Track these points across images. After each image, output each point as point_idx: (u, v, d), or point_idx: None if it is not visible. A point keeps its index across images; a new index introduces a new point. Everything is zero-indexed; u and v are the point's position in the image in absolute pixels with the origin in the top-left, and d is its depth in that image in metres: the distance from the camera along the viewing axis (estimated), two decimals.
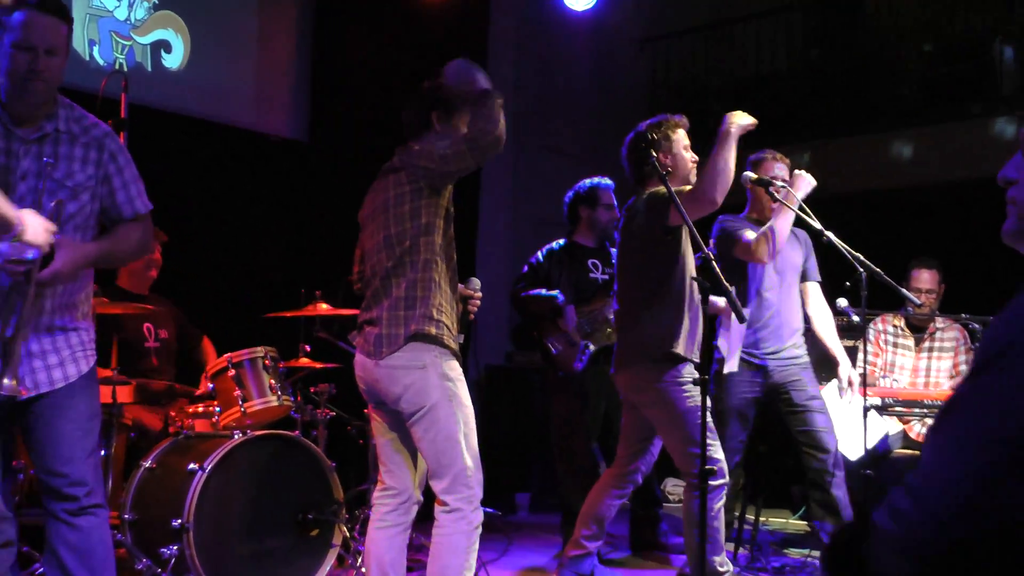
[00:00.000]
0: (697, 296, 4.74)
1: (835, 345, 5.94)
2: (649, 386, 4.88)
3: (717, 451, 4.78)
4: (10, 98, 3.50)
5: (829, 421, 5.70)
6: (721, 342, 5.50)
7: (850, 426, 5.72)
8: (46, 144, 3.56)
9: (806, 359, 5.81)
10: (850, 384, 5.81)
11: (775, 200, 5.42)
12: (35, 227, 3.32)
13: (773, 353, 5.70)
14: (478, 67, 4.19)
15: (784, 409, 5.76)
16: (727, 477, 4.85)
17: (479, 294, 4.46)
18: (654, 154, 4.86)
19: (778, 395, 5.74)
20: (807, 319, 5.95)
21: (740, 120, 4.76)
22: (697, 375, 4.58)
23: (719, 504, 4.80)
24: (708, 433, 4.41)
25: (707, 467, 4.38)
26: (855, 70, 10.57)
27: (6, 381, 3.30)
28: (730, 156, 4.69)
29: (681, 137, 5.04)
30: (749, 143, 5.12)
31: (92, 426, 3.70)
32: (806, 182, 5.41)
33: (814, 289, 6.00)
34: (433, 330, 3.99)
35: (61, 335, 3.62)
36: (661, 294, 4.87)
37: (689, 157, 5.05)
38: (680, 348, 4.81)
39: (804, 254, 5.94)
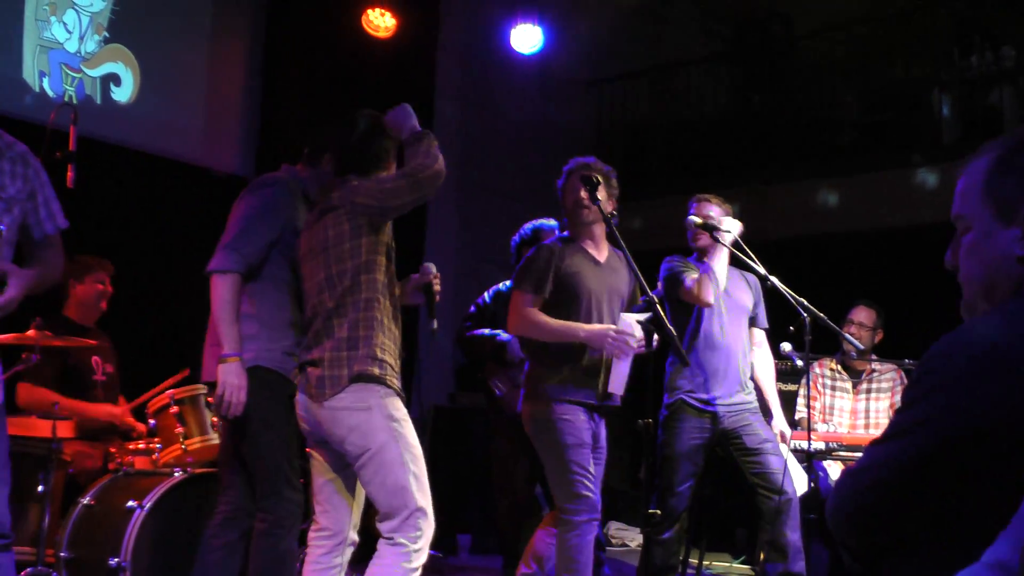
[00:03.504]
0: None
1: (772, 397, 5.90)
2: (529, 420, 4.91)
3: (586, 486, 4.77)
4: None
5: (783, 462, 5.53)
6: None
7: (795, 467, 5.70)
8: None
9: (755, 403, 5.71)
10: (782, 438, 5.79)
11: (717, 243, 5.47)
12: None
13: (721, 398, 5.59)
14: (410, 112, 4.24)
15: (737, 455, 5.61)
16: (598, 513, 4.81)
17: (437, 275, 4.45)
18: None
19: (729, 441, 5.61)
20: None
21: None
22: (585, 412, 4.79)
23: (588, 538, 4.75)
24: (578, 468, 4.61)
25: (575, 502, 4.61)
26: (794, 115, 10.71)
27: None
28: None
29: (571, 187, 5.04)
30: (690, 186, 5.16)
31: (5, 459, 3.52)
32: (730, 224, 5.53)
33: (760, 336, 5.95)
34: (376, 370, 3.94)
35: None
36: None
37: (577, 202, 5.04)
38: (558, 384, 4.84)
39: (754, 299, 5.88)
